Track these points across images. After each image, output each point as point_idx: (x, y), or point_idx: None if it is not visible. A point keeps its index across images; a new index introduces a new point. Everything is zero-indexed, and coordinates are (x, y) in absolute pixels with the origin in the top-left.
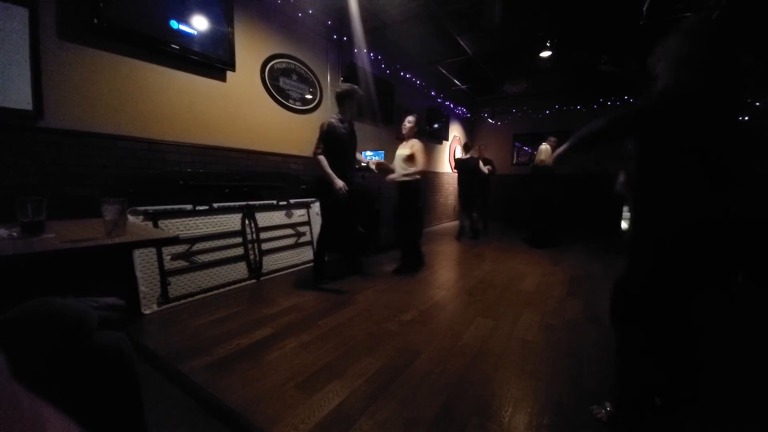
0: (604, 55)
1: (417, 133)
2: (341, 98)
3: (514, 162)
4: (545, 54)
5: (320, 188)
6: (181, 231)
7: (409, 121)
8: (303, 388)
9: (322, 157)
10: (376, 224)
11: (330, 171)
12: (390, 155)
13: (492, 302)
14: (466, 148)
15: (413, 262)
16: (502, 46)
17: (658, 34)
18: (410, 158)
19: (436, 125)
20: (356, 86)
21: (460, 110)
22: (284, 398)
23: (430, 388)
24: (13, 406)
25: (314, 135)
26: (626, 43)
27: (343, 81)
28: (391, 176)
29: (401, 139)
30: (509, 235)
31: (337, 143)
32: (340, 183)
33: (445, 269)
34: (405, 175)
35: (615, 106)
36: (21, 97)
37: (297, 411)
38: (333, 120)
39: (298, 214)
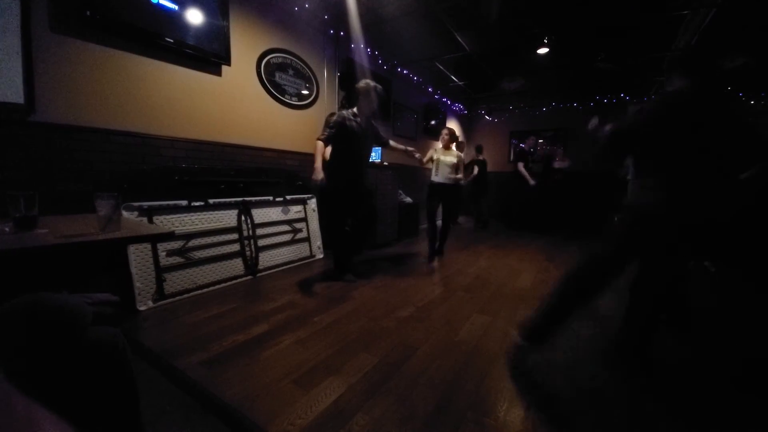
0: (601, 53)
1: (450, 139)
2: (356, 95)
3: (511, 159)
4: (542, 51)
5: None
6: (177, 227)
7: (446, 133)
8: (300, 384)
9: (319, 143)
10: (373, 221)
11: (319, 159)
12: (387, 150)
13: (488, 299)
14: (479, 150)
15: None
16: (500, 42)
17: (656, 32)
18: (456, 165)
19: (432, 122)
20: (372, 83)
21: (457, 107)
22: (281, 394)
23: (427, 384)
24: (7, 408)
25: (310, 130)
26: (623, 40)
27: (340, 77)
28: (437, 179)
29: (445, 146)
30: (506, 232)
31: (346, 137)
32: (319, 176)
33: (441, 266)
34: (455, 179)
35: (611, 103)
36: (12, 91)
37: (294, 407)
38: (345, 113)
39: (295, 211)
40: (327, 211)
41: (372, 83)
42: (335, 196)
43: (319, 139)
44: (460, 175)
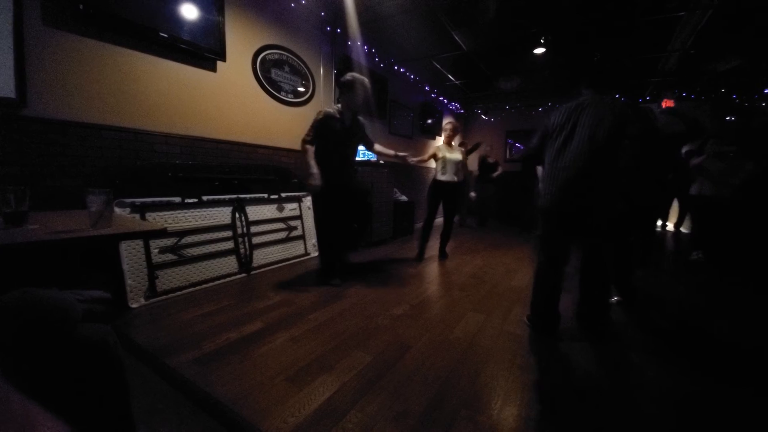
0: (596, 53)
1: (453, 133)
2: (340, 89)
3: (507, 158)
4: (539, 51)
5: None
6: (170, 224)
7: (450, 128)
8: (293, 382)
9: (309, 147)
10: (368, 219)
11: (311, 162)
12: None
13: (483, 297)
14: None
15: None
16: (497, 41)
17: (652, 33)
18: (462, 162)
19: (429, 120)
20: (358, 76)
21: (454, 106)
22: (274, 392)
23: (421, 382)
24: (4, 406)
25: (306, 128)
26: (619, 40)
27: (336, 74)
28: (444, 178)
29: (448, 143)
30: (503, 231)
31: (328, 135)
32: (315, 181)
33: (436, 264)
34: (459, 179)
35: None
36: (4, 85)
37: (287, 404)
38: (330, 110)
39: (290, 208)
40: (316, 212)
41: (358, 76)
42: (322, 198)
43: (306, 143)
44: (462, 178)
